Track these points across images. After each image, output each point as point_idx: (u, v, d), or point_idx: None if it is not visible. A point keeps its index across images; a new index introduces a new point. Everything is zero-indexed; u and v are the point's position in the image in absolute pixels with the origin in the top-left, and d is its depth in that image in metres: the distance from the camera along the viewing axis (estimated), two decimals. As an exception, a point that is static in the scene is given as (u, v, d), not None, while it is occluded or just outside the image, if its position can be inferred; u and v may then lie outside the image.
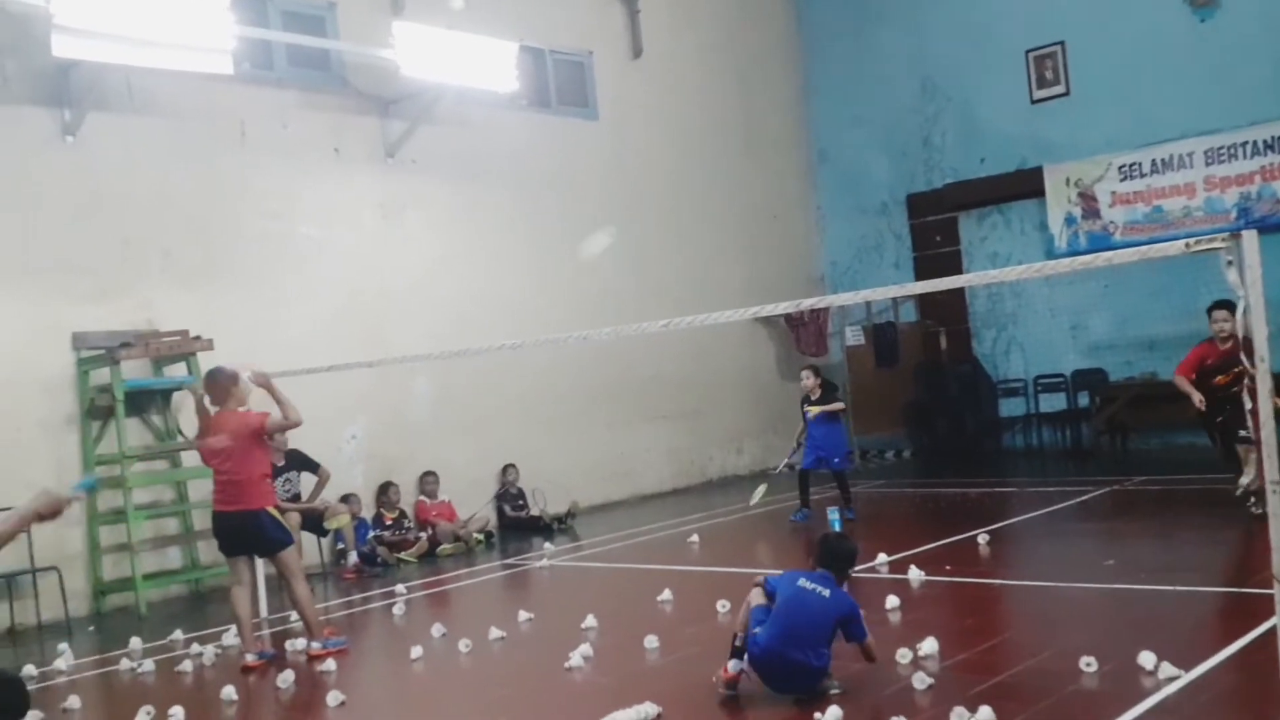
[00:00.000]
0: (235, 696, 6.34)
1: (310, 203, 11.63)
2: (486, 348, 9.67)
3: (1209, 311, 8.79)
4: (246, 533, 7.20)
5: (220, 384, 7.25)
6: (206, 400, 7.35)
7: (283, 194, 11.40)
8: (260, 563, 8.22)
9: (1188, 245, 4.36)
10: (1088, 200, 15.18)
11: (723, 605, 7.23)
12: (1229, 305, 8.50)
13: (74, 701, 6.50)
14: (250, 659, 7.06)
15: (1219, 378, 8.55)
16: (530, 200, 13.70)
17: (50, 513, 4.18)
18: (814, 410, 10.94)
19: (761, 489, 11.01)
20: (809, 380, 11.12)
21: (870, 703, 5.11)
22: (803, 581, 5.43)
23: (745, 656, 5.32)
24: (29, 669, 7.45)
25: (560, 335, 11.81)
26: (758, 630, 5.30)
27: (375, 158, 12.31)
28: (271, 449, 7.34)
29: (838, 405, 11.15)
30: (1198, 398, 8.64)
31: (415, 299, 12.25)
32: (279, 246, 11.29)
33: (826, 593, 5.37)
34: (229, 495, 7.16)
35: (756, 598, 5.49)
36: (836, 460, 11.06)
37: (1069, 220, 15.37)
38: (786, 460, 11.71)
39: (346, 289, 11.71)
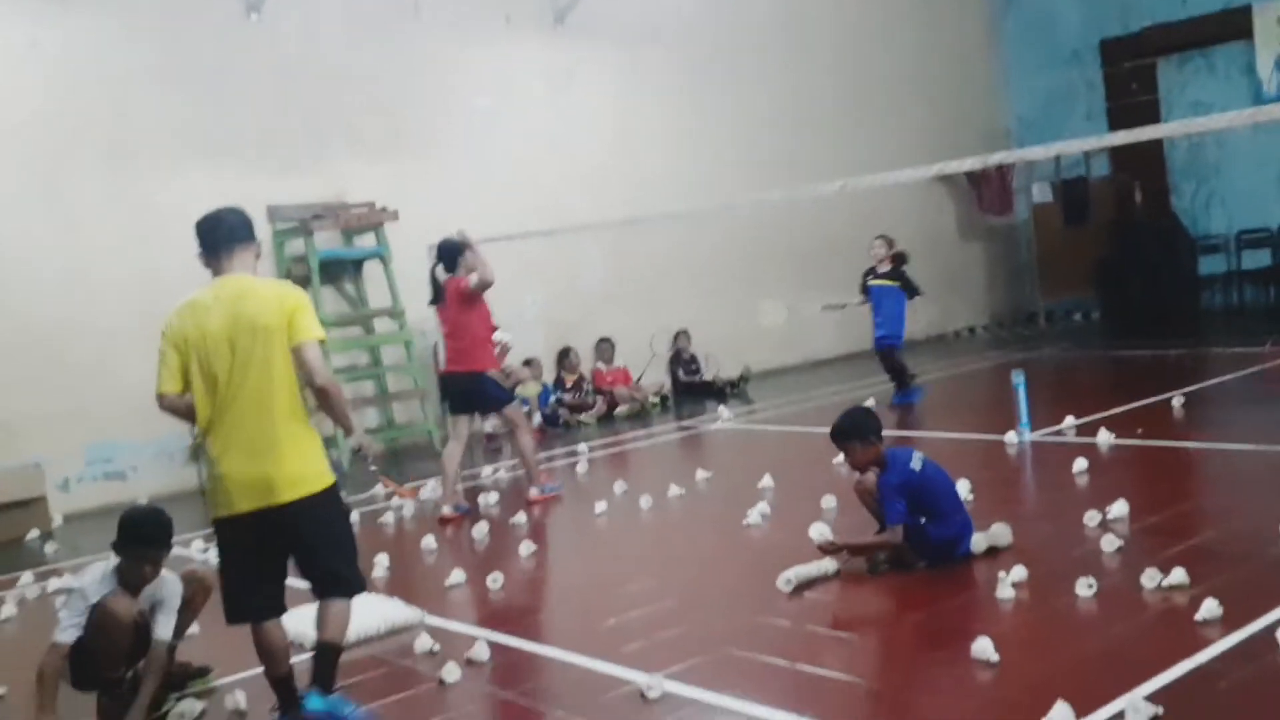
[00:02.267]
0: (434, 546, 6.73)
1: (483, 73, 11.73)
2: (658, 215, 9.67)
3: None
4: (471, 392, 7.69)
5: (449, 252, 7.75)
6: (439, 269, 7.81)
7: (456, 65, 11.54)
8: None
9: None
10: (1303, 38, 13.95)
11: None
12: None
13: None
14: (447, 511, 7.47)
15: None
16: (700, 64, 13.45)
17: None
18: (877, 284, 10.33)
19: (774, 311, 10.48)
20: (880, 249, 10.36)
21: (1058, 565, 5.03)
22: (919, 461, 5.33)
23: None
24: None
25: (731, 202, 11.76)
26: (925, 521, 5.21)
27: (544, 24, 12.28)
28: (488, 314, 7.73)
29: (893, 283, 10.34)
30: None
31: (586, 167, 12.29)
32: (455, 117, 11.48)
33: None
34: (455, 356, 7.70)
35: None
36: (883, 336, 10.33)
37: (1279, 63, 14.17)
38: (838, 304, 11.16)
39: (520, 158, 11.85)
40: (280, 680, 4.04)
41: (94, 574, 4.34)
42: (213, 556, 6.96)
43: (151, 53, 9.82)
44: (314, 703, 3.94)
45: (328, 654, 4.02)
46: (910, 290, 10.39)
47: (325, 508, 4.00)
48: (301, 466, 3.93)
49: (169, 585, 4.44)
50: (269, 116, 10.32)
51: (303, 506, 3.91)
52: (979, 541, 5.28)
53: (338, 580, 4.05)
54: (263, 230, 10.23)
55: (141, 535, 4.34)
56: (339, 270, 10.78)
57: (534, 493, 7.73)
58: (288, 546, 4.00)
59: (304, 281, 10.30)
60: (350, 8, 10.85)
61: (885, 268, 10.37)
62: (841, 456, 5.63)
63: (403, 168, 11.05)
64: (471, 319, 7.61)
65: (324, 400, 4.05)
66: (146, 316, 9.44)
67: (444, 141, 11.39)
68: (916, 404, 10.09)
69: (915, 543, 5.24)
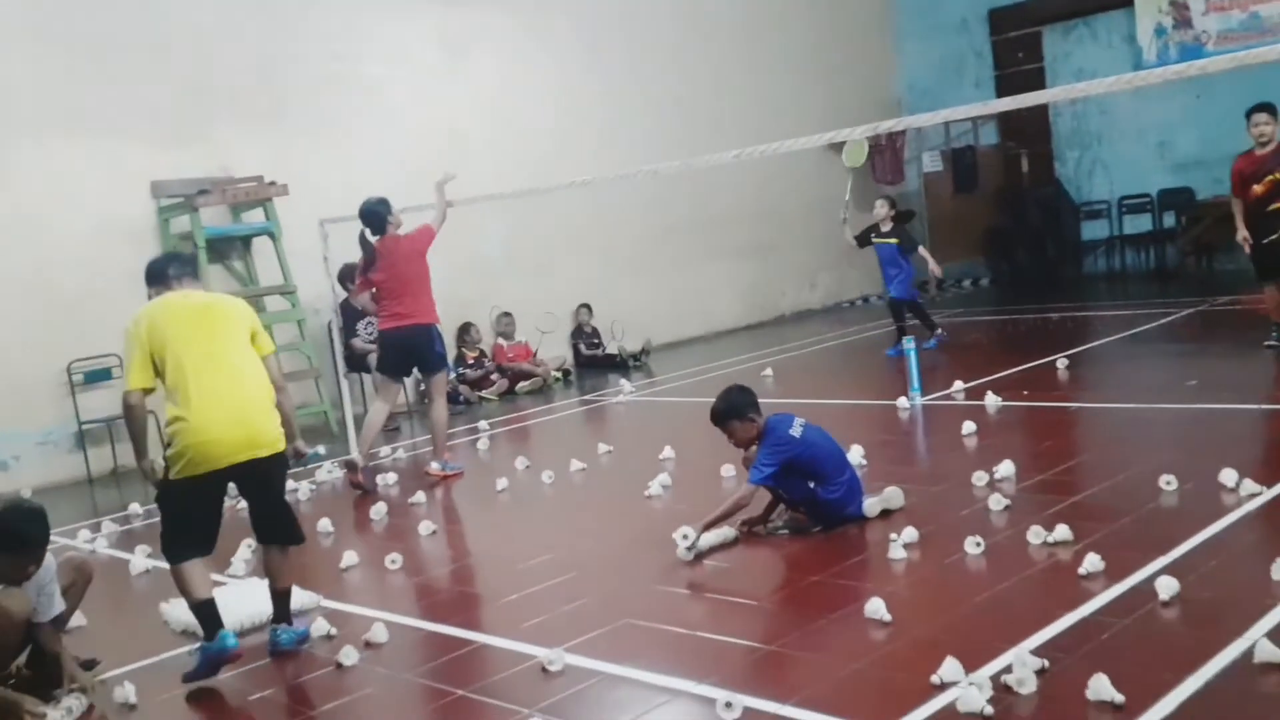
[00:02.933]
0: (331, 528, 6.60)
1: (374, 41, 11.49)
2: (555, 185, 9.59)
3: (1248, 115, 8.25)
4: (420, 346, 7.62)
5: (372, 215, 7.72)
6: (367, 232, 7.73)
7: (346, 33, 11.28)
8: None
9: (1289, 49, 4.14)
10: (1179, 8, 14.41)
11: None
12: (1269, 108, 8.12)
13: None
14: (357, 459, 7.63)
15: (1255, 187, 8.12)
16: (598, 34, 13.40)
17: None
18: (880, 242, 10.74)
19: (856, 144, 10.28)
20: (882, 209, 10.78)
21: (947, 523, 5.17)
22: (799, 427, 5.41)
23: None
24: (135, 507, 7.84)
25: (629, 170, 11.71)
26: (813, 486, 5.29)
27: (437, -9, 12.07)
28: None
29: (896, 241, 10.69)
30: (1242, 235, 8.25)
31: (484, 138, 12.14)
32: (345, 87, 11.22)
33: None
34: (403, 311, 7.58)
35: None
36: (894, 290, 10.75)
37: (1159, 31, 14.63)
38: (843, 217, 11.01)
39: (415, 129, 11.64)
40: (207, 604, 4.44)
41: None
42: (99, 546, 6.81)
43: (23, 18, 9.37)
44: (287, 636, 4.59)
45: (287, 597, 4.70)
46: (910, 245, 10.76)
47: (284, 466, 4.72)
48: (276, 429, 4.57)
49: (47, 569, 4.40)
50: (149, 87, 9.93)
51: (274, 462, 4.58)
52: (872, 505, 5.39)
53: (291, 529, 4.72)
54: (146, 206, 9.98)
55: (25, 538, 4.23)
56: (227, 248, 10.49)
57: (435, 467, 7.64)
58: (254, 495, 4.66)
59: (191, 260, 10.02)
60: (233, -24, 10.52)
61: (888, 226, 10.69)
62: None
63: (292, 140, 10.78)
64: (421, 271, 7.61)
65: (282, 406, 4.68)
66: (28, 300, 9.19)
67: (335, 113, 11.13)
68: (934, 349, 10.49)
69: (807, 508, 5.33)
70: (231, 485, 4.60)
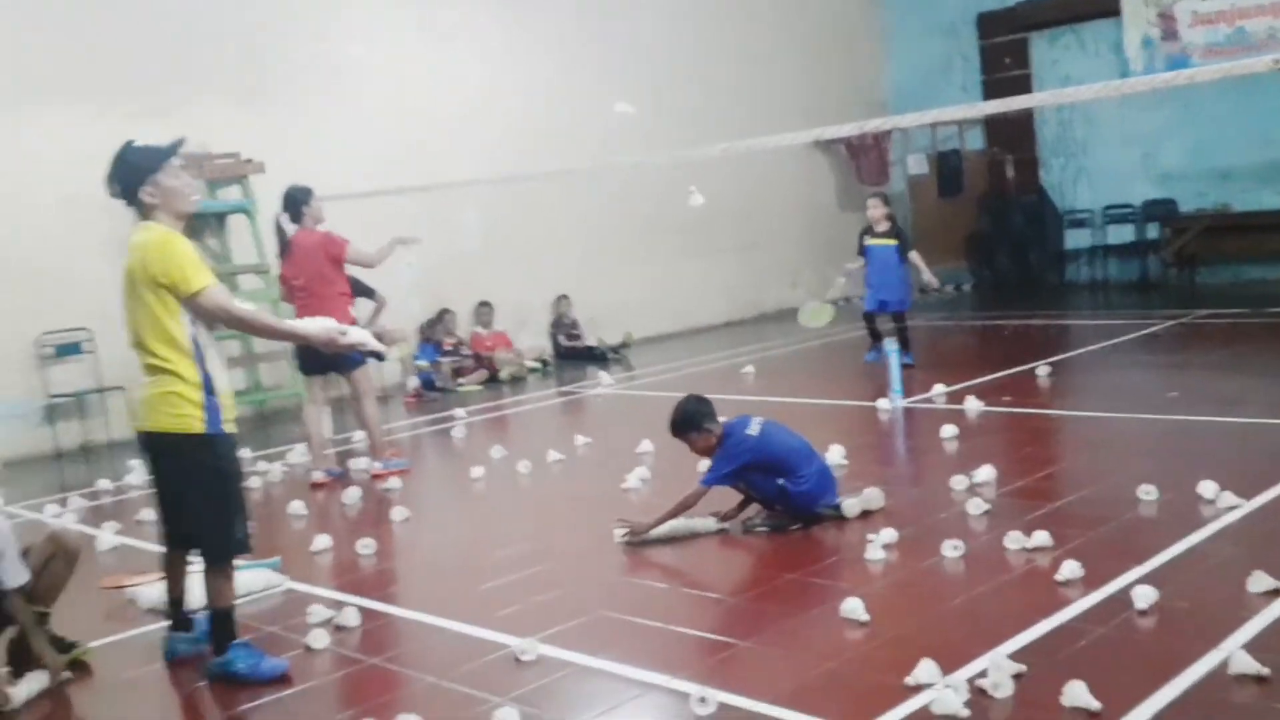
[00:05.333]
0: (304, 511, 6.55)
1: (357, 22, 11.39)
2: (535, 174, 9.52)
3: None
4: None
5: (292, 202, 7.41)
6: (284, 219, 7.47)
7: (329, 13, 11.18)
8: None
9: (1276, 62, 4.13)
10: (1167, 20, 14.44)
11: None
12: None
13: (147, 514, 6.73)
14: (319, 476, 7.27)
15: None
16: (582, 22, 13.31)
17: (322, 343, 4.32)
18: (876, 243, 9.88)
19: (817, 307, 9.62)
20: (876, 210, 9.90)
21: (925, 526, 5.15)
22: (757, 425, 5.41)
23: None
24: (103, 483, 7.74)
25: (612, 161, 11.66)
26: (782, 481, 5.27)
27: (423, -29, 11.97)
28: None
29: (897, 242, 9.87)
30: None
31: (465, 124, 12.03)
32: (326, 68, 11.11)
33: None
34: (310, 312, 7.21)
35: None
36: (900, 302, 9.93)
37: (1146, 42, 14.66)
38: (841, 278, 10.69)
39: (395, 113, 11.52)
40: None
41: None
42: (67, 521, 6.69)
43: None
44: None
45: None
46: (908, 245, 9.97)
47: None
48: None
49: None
50: (129, 60, 9.81)
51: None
52: (852, 506, 5.36)
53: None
54: (124, 181, 9.82)
55: None
56: (201, 224, 10.33)
57: (377, 466, 7.35)
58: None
59: (168, 236, 9.90)
60: (219, -50, 10.39)
61: (883, 227, 9.84)
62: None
63: (270, 118, 10.66)
64: (331, 270, 7.29)
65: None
66: (-3, 267, 9.05)
67: (314, 91, 11.01)
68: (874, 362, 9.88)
69: (781, 503, 5.31)
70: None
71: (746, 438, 5.33)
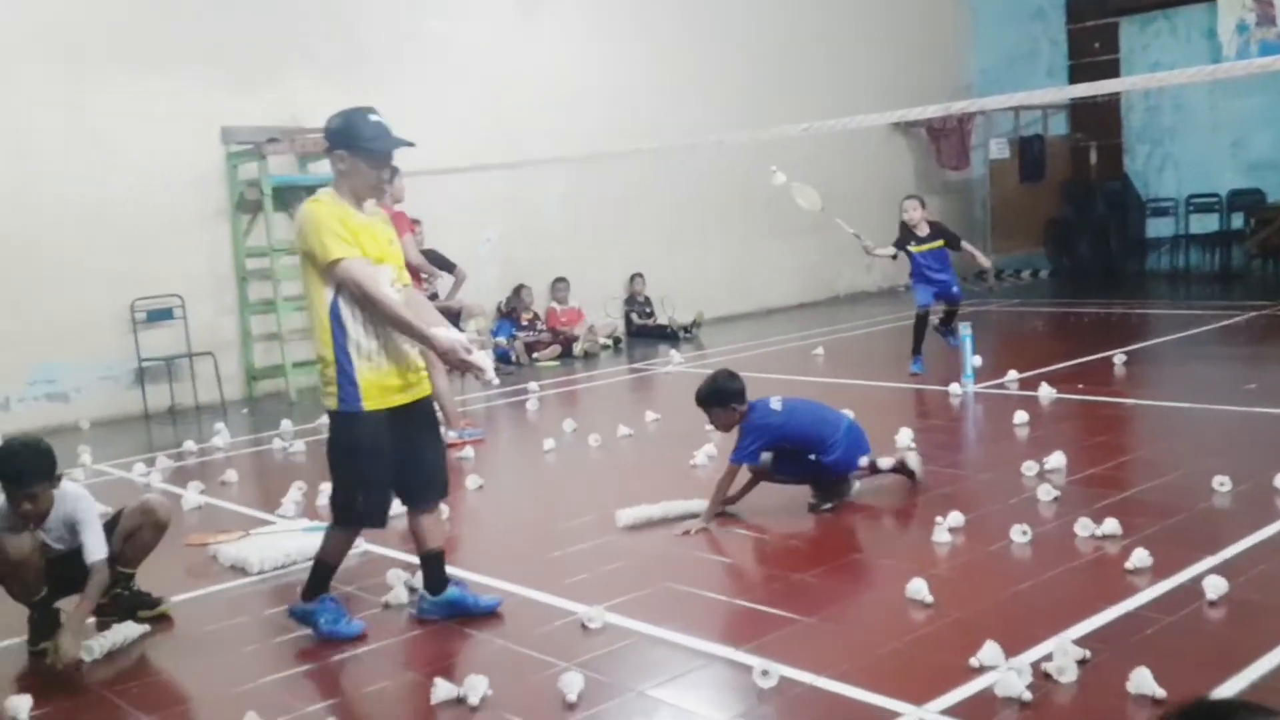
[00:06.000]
0: (379, 477, 6.69)
1: (447, -3, 11.53)
2: (617, 152, 9.60)
3: None
4: None
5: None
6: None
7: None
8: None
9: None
10: (1263, 4, 14.05)
11: (846, 414, 7.30)
12: None
13: (231, 475, 6.99)
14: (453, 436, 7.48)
15: None
16: (668, 1, 13.32)
17: (444, 353, 4.08)
18: (921, 250, 9.17)
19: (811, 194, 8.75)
20: (915, 212, 9.21)
21: (994, 511, 5.15)
22: (778, 402, 5.45)
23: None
24: (189, 444, 8.00)
25: (695, 139, 11.69)
26: (814, 456, 5.32)
27: (511, -49, 12.07)
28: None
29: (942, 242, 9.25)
30: None
31: (548, 101, 12.14)
32: (416, 43, 11.28)
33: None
34: None
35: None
36: (956, 289, 9.34)
37: (1240, 28, 14.28)
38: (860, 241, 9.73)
39: (482, 89, 11.68)
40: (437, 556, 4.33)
41: None
42: (154, 480, 6.95)
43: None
44: (452, 593, 4.32)
45: (439, 559, 4.34)
46: (955, 242, 9.37)
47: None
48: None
49: (74, 501, 4.22)
50: (224, 34, 10.05)
51: (427, 403, 4.30)
52: (886, 461, 5.50)
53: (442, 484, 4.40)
54: (216, 152, 10.11)
55: (7, 475, 4.04)
56: (292, 197, 10.56)
57: (451, 436, 7.40)
58: (411, 444, 4.17)
59: (256, 207, 10.17)
60: (310, -74, 10.58)
61: (925, 230, 9.22)
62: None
63: (360, 93, 10.69)
64: (404, 238, 7.48)
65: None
66: (94, 234, 9.37)
67: (404, 67, 11.19)
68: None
69: (818, 481, 5.38)
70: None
71: (772, 414, 5.35)
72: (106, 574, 4.22)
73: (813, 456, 5.32)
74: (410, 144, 4.17)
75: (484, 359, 4.24)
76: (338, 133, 4.14)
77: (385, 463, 4.10)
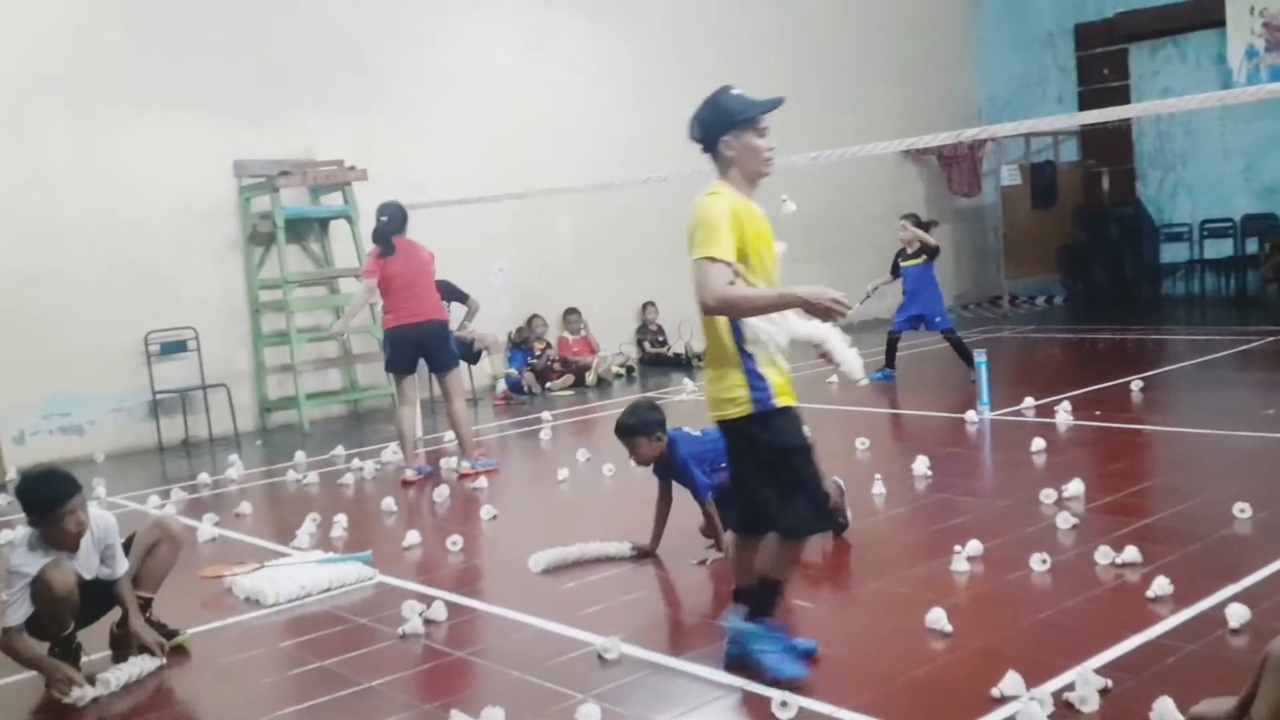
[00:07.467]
0: (394, 508, 6.71)
1: (457, 32, 11.61)
2: (628, 181, 9.61)
3: None
4: (430, 342, 7.47)
5: (406, 219, 7.57)
6: (384, 223, 7.51)
7: (431, 22, 11.41)
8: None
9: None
10: (1272, 30, 14.06)
11: (861, 443, 7.29)
12: None
13: (245, 507, 6.98)
14: (410, 474, 7.44)
15: None
16: (676, 30, 13.40)
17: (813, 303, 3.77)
18: (906, 265, 9.94)
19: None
20: (903, 232, 9.90)
21: (1012, 539, 5.10)
22: (688, 429, 5.39)
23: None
24: (204, 476, 8.00)
25: (700, 169, 11.70)
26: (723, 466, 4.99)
27: (522, -16, 12.17)
28: None
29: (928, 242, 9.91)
30: None
31: (559, 133, 12.21)
32: (427, 77, 11.36)
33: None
34: (414, 308, 7.41)
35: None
36: (939, 319, 9.88)
37: (1250, 53, 14.29)
38: (867, 293, 10.64)
39: (492, 122, 11.75)
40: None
41: (21, 548, 4.16)
42: (169, 512, 6.94)
43: None
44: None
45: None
46: (931, 254, 9.89)
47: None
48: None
49: (103, 522, 4.32)
50: (237, 68, 10.15)
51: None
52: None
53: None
54: (228, 185, 10.18)
55: (51, 496, 4.06)
56: (305, 229, 10.67)
57: (465, 466, 7.52)
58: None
59: (269, 239, 10.22)
60: (323, -38, 10.70)
61: (915, 248, 9.89)
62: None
63: (372, 126, 10.93)
64: (431, 277, 7.55)
65: None
66: (111, 267, 9.42)
67: (416, 101, 11.27)
68: (882, 381, 9.99)
69: (726, 494, 5.17)
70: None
71: (695, 439, 5.23)
72: (130, 589, 4.41)
73: (722, 467, 5.02)
74: (781, 101, 4.00)
75: (849, 354, 4.08)
76: (714, 123, 3.96)
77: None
